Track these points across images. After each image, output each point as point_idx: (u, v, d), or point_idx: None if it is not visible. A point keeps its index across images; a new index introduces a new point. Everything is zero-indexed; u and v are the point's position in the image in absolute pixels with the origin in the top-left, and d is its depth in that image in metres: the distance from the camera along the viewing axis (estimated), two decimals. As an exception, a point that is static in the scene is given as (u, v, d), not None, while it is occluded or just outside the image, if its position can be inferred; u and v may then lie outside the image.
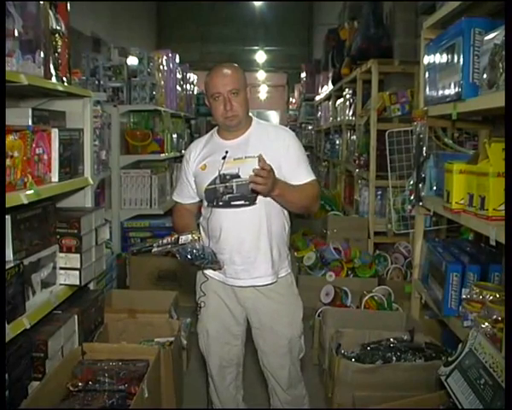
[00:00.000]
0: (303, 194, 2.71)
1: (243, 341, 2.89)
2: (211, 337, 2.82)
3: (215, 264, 2.63)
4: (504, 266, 2.18)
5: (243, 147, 2.69)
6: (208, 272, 2.75)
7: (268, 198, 2.64)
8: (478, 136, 4.21)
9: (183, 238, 2.45)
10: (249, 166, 2.55)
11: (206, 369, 2.96)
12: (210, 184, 2.66)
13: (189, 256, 2.48)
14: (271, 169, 2.43)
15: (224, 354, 2.84)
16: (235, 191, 2.63)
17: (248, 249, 2.66)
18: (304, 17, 18.47)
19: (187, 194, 2.88)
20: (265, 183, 2.42)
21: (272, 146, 2.68)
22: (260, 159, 2.40)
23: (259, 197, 2.62)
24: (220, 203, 2.65)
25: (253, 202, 2.64)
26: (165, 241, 2.48)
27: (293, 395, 2.90)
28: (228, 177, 2.63)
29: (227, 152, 2.67)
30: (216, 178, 2.65)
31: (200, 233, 2.50)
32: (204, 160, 2.74)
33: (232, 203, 2.64)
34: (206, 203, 2.74)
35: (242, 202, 2.64)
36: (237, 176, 2.63)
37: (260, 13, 18.49)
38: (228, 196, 2.63)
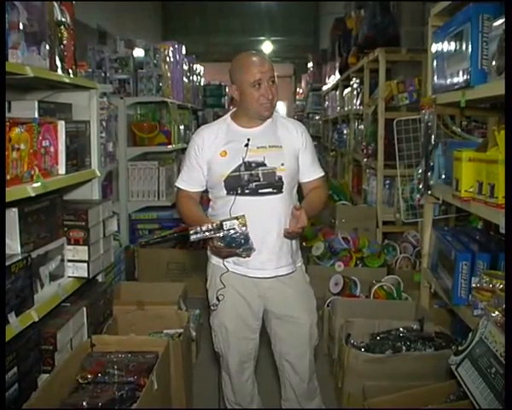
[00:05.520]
0: (321, 201, 2.84)
1: (259, 334, 2.87)
2: (230, 334, 2.76)
3: (251, 250, 2.57)
4: (505, 264, 2.17)
5: (265, 136, 2.69)
6: (228, 264, 2.69)
7: (290, 186, 2.69)
8: (486, 123, 4.18)
9: (229, 224, 2.38)
10: (274, 156, 2.63)
11: (216, 363, 2.92)
12: (233, 172, 2.62)
13: (234, 242, 2.42)
14: (303, 211, 2.53)
15: (243, 349, 2.81)
16: (261, 179, 2.61)
17: (275, 239, 2.64)
18: (310, 7, 18.36)
19: (197, 181, 2.78)
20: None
21: (292, 139, 2.74)
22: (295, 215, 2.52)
23: (284, 185, 2.64)
24: (246, 191, 2.61)
25: (280, 190, 2.64)
26: (204, 228, 2.39)
27: (309, 386, 2.89)
28: (253, 165, 2.61)
29: (249, 140, 2.64)
30: (240, 165, 2.61)
31: (245, 218, 2.42)
32: (223, 146, 2.67)
33: (259, 191, 2.62)
34: (224, 192, 2.65)
35: (270, 190, 2.63)
36: (263, 164, 2.62)
37: (266, 3, 18.43)
38: (254, 183, 2.60)
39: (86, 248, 3.06)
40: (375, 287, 4.29)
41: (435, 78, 3.37)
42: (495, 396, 2.08)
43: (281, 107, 20.38)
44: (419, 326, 3.48)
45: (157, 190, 5.85)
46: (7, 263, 2.36)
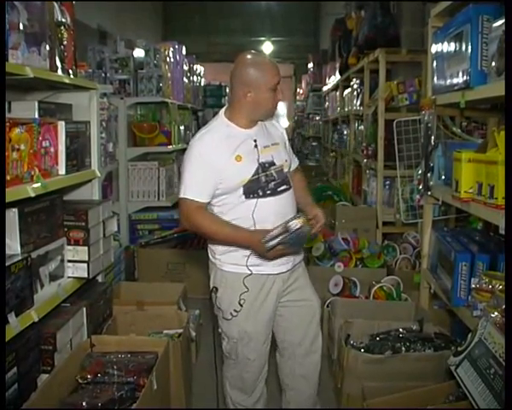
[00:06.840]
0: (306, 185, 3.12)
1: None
2: (253, 339, 2.73)
3: None
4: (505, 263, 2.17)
5: (264, 135, 2.72)
6: (253, 267, 2.64)
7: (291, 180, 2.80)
8: (486, 124, 4.18)
9: (293, 224, 2.39)
10: (278, 153, 2.72)
11: (215, 365, 2.88)
12: (254, 175, 2.60)
13: (300, 241, 2.48)
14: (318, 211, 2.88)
15: (264, 351, 2.81)
16: (276, 178, 2.65)
17: None
18: (310, 7, 18.36)
19: (209, 190, 2.61)
20: None
21: (280, 134, 2.86)
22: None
23: (290, 180, 2.75)
24: (268, 192, 2.63)
25: (290, 185, 2.74)
26: (275, 233, 2.42)
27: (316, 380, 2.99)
28: (266, 165, 2.64)
29: (255, 140, 2.65)
30: (258, 167, 2.61)
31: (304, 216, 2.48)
32: (235, 151, 2.58)
33: (278, 190, 2.66)
34: (242, 197, 2.60)
35: (285, 187, 2.70)
36: (273, 163, 2.67)
37: (266, 3, 18.44)
38: (273, 183, 2.64)
39: (86, 248, 3.07)
40: (375, 288, 4.28)
41: (435, 78, 3.37)
42: (494, 397, 2.08)
43: (281, 107, 20.35)
44: (418, 327, 3.47)
45: (157, 191, 5.85)
46: (7, 263, 2.36)
